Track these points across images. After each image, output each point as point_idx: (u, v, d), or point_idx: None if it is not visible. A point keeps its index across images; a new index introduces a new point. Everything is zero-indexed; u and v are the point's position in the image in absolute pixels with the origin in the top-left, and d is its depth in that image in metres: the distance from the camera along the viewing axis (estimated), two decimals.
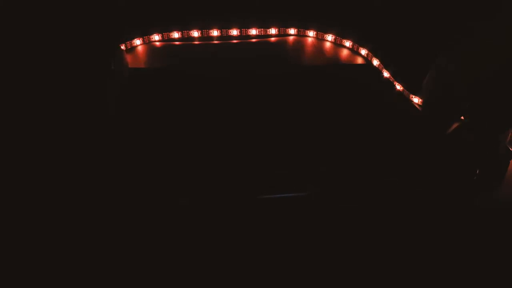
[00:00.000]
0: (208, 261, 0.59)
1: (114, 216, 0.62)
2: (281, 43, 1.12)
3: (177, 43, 1.08)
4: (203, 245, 0.61)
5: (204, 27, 1.09)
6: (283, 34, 1.13)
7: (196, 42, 1.10)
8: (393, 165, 0.71)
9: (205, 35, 1.10)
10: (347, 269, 0.60)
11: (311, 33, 1.13)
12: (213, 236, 0.62)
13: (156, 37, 1.08)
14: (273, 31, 1.12)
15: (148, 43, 1.08)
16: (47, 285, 0.57)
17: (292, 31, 1.13)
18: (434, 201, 0.67)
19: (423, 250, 0.62)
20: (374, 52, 1.07)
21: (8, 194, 0.64)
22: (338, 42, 1.12)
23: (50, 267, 0.58)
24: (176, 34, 1.09)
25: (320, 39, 1.13)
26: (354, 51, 1.10)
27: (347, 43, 1.11)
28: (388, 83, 1.04)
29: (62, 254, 0.60)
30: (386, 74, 1.07)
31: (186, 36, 1.09)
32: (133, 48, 1.07)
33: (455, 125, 0.77)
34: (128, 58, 1.04)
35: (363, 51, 1.08)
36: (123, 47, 1.05)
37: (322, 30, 1.13)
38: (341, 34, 1.12)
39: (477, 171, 0.69)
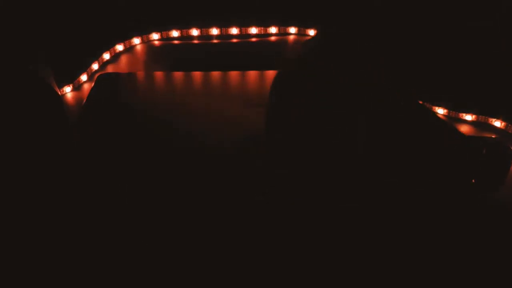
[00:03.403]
0: (206, 266, 0.59)
1: (111, 217, 0.62)
2: (281, 42, 1.12)
3: (176, 42, 1.08)
4: (200, 249, 0.60)
5: (204, 26, 1.09)
6: (283, 33, 1.13)
7: (196, 41, 1.10)
8: (393, 165, 0.70)
9: (204, 34, 1.09)
10: (347, 269, 0.59)
11: (311, 32, 1.13)
12: (211, 239, 0.62)
13: (155, 35, 1.08)
14: (273, 30, 1.12)
15: (147, 42, 1.08)
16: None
17: (292, 29, 1.13)
18: (434, 201, 0.67)
19: (423, 250, 0.62)
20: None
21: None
22: None
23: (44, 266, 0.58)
24: (175, 33, 1.08)
25: None
26: None
27: None
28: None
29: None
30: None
31: (185, 35, 1.09)
32: (131, 48, 1.07)
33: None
34: (126, 58, 1.04)
35: None
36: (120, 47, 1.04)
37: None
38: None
39: (473, 175, 0.68)
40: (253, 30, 1.11)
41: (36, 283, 0.56)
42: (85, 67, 1.02)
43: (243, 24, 1.10)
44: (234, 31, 1.10)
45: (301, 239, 0.62)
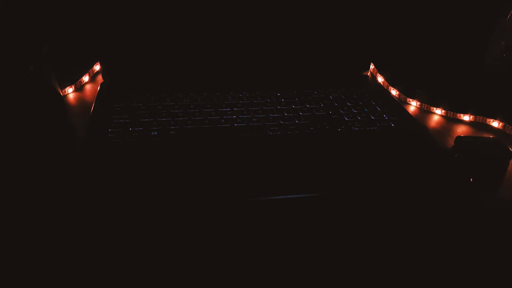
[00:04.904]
0: (203, 269, 0.58)
1: (109, 218, 0.61)
2: None
3: None
4: (197, 252, 0.60)
5: None
6: None
7: None
8: (393, 166, 0.71)
9: None
10: (347, 269, 0.60)
11: None
12: (208, 241, 0.61)
13: None
14: None
15: None
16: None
17: None
18: (434, 201, 0.67)
19: (424, 250, 0.62)
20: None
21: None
22: None
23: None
24: None
25: None
26: None
27: None
28: (383, 87, 1.05)
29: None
30: (380, 78, 1.07)
31: None
32: None
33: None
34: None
35: None
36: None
37: None
38: None
39: (471, 177, 0.69)
40: None
41: (36, 283, 0.56)
42: (87, 68, 1.02)
43: None
44: None
45: (300, 239, 0.62)
